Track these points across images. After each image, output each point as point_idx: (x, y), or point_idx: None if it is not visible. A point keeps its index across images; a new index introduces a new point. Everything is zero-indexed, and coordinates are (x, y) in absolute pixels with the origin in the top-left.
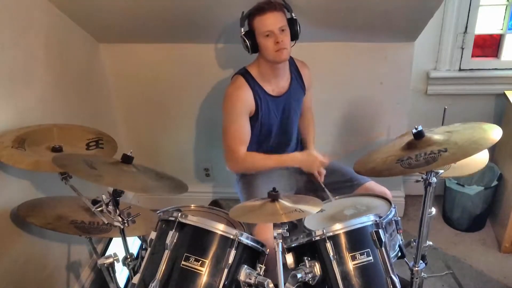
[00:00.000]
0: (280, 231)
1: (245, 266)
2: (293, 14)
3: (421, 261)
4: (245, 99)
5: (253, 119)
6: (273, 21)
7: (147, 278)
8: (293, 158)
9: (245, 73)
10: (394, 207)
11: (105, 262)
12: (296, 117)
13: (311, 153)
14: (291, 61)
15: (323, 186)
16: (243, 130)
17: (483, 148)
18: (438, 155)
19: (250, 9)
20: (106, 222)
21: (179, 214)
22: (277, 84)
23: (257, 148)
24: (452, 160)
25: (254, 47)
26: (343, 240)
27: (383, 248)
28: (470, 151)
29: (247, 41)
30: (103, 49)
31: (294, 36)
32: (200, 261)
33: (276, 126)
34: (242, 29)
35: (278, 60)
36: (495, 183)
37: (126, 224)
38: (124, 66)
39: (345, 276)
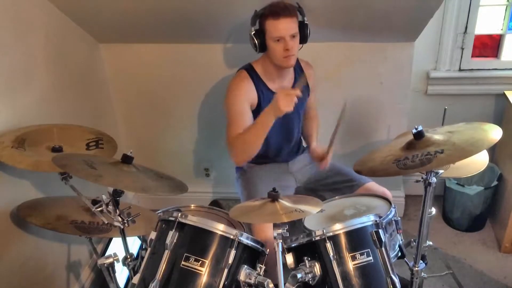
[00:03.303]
0: (280, 231)
1: (245, 266)
2: (305, 18)
3: (421, 261)
4: (247, 90)
5: (254, 114)
6: (285, 27)
7: (147, 278)
8: (266, 112)
9: (249, 69)
10: (394, 207)
11: (105, 262)
12: (298, 117)
13: (276, 95)
14: (296, 61)
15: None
16: (244, 118)
17: (479, 150)
18: (433, 157)
19: (264, 8)
20: (106, 222)
21: (179, 214)
22: (280, 83)
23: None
24: (447, 161)
25: (262, 47)
26: (343, 240)
27: (383, 248)
28: (466, 153)
29: (255, 40)
30: (103, 49)
31: (303, 40)
32: (200, 261)
33: (278, 124)
34: (253, 28)
35: (285, 66)
36: (495, 183)
37: (126, 224)
38: (124, 66)
39: (345, 276)
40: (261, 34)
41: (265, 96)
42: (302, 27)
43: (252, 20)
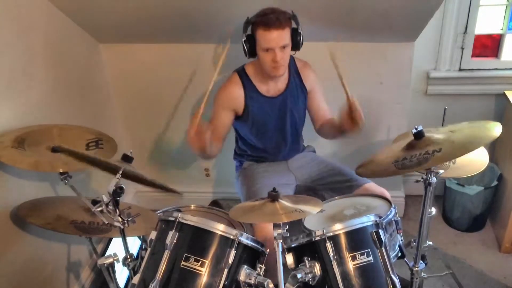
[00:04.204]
0: (280, 231)
1: (245, 266)
2: (299, 27)
3: (421, 261)
4: (232, 97)
5: (243, 117)
6: (275, 39)
7: (147, 278)
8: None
9: (241, 72)
10: (394, 207)
11: (105, 262)
12: (294, 118)
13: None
14: (291, 62)
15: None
16: (217, 123)
17: (476, 147)
18: (431, 156)
19: (256, 15)
20: (106, 222)
21: (179, 214)
22: (273, 85)
23: (254, 145)
24: (443, 159)
25: (252, 53)
26: (343, 240)
27: (383, 248)
28: (463, 150)
29: (246, 47)
30: (103, 49)
31: (295, 47)
32: (200, 262)
33: (272, 126)
34: (244, 34)
35: (273, 75)
36: (495, 183)
37: (126, 224)
38: (124, 66)
39: (345, 276)
40: (252, 41)
41: (254, 100)
42: (295, 35)
43: (244, 27)
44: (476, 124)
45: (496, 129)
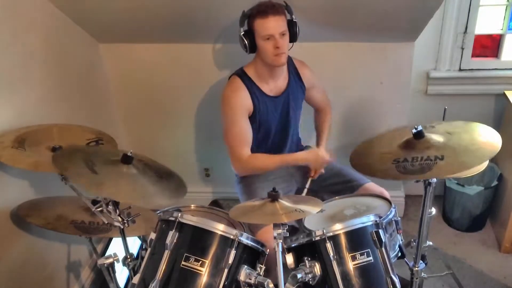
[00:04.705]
0: (280, 231)
1: (245, 266)
2: (293, 16)
3: (421, 261)
4: (243, 101)
5: (251, 119)
6: (274, 26)
7: (147, 278)
8: (298, 158)
9: (241, 74)
10: (394, 207)
11: (105, 262)
12: (295, 117)
13: (316, 152)
14: (289, 61)
15: (308, 182)
16: (245, 132)
17: (480, 162)
18: (434, 163)
19: (251, 8)
20: (106, 222)
21: (179, 214)
22: (274, 84)
23: (256, 147)
24: (447, 172)
25: (252, 48)
26: (343, 240)
27: (383, 248)
28: (467, 165)
29: (245, 41)
30: (103, 49)
31: (292, 39)
32: (200, 261)
33: (275, 126)
34: (241, 29)
35: (276, 64)
36: (495, 183)
37: (126, 224)
38: (124, 66)
39: (345, 276)
40: (250, 34)
41: (260, 100)
42: (291, 25)
43: (240, 21)
44: (471, 127)
45: (496, 141)
